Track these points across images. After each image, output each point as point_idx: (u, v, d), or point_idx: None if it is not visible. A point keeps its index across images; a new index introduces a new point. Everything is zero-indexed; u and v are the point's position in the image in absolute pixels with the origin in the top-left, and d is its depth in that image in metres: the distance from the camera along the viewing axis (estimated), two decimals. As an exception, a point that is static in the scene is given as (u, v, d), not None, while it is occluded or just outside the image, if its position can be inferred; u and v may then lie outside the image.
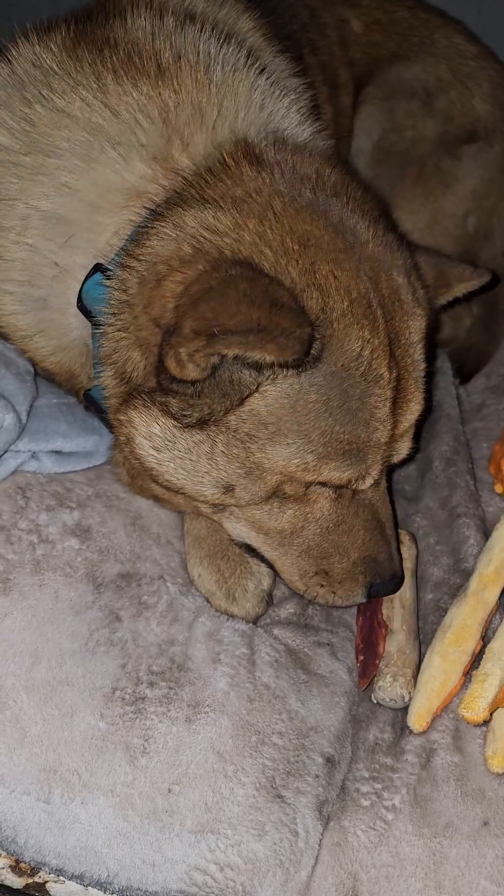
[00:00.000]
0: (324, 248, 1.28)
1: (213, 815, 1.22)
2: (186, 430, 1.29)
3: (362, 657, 1.43)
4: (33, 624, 1.30)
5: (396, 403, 1.34)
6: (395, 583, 1.43)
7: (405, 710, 1.39)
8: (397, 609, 1.48)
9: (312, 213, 1.31)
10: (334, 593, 1.40)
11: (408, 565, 1.56)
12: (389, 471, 1.46)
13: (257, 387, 1.25)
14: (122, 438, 1.39)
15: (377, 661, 1.41)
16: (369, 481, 1.36)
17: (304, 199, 1.32)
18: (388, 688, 1.39)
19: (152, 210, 1.33)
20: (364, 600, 1.43)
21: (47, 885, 1.27)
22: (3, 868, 1.28)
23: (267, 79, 1.53)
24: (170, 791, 1.22)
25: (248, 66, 1.51)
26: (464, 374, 2.14)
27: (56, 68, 1.43)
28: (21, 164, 1.40)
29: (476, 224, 2.12)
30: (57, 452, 1.50)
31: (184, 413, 1.28)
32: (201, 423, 1.28)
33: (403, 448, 1.41)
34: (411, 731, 1.36)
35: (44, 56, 1.46)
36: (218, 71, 1.45)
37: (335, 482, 1.32)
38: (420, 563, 1.63)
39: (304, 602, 1.53)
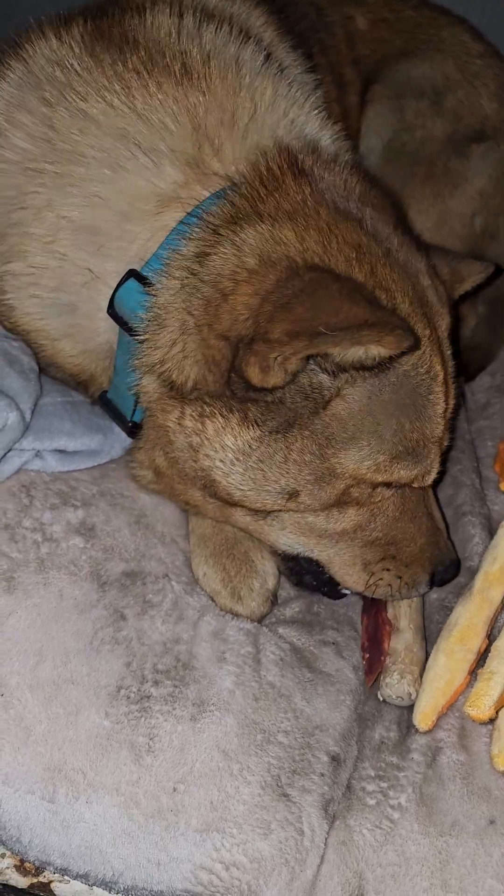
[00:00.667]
0: (374, 253, 1.30)
1: (219, 814, 1.21)
2: (265, 438, 1.28)
3: (368, 654, 1.42)
4: (38, 622, 1.30)
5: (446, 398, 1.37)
6: (456, 567, 1.46)
7: (411, 708, 1.39)
8: (404, 607, 1.48)
9: (354, 221, 1.32)
10: (400, 577, 1.41)
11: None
12: None
13: (339, 390, 1.25)
14: (177, 445, 1.34)
15: (382, 658, 1.41)
16: (433, 476, 1.38)
17: (344, 208, 1.33)
18: (396, 685, 1.38)
19: (199, 217, 1.31)
20: (427, 588, 1.45)
21: (52, 885, 1.26)
22: (8, 868, 1.27)
23: (286, 81, 1.51)
24: (175, 790, 1.22)
25: (268, 67, 1.49)
26: (469, 373, 2.13)
27: (77, 67, 1.39)
28: (45, 171, 1.38)
29: (483, 224, 2.12)
30: (61, 451, 1.50)
31: (265, 420, 1.27)
32: (284, 428, 1.27)
33: (446, 440, 1.43)
34: (417, 730, 1.36)
35: (62, 53, 1.42)
36: (246, 73, 1.44)
37: (403, 480, 1.34)
38: (425, 561, 1.62)
39: (309, 601, 1.52)
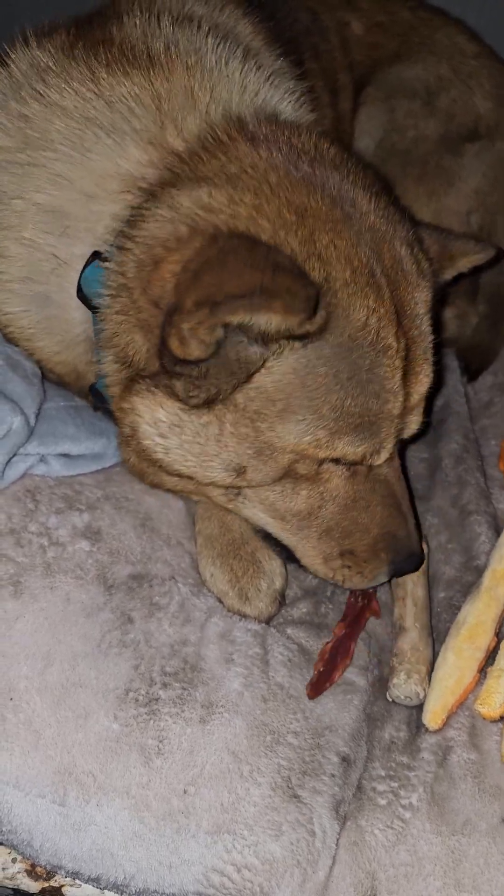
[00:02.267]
0: (322, 218, 1.26)
1: (230, 816, 1.21)
2: (193, 412, 1.27)
3: (322, 669, 1.37)
4: (45, 626, 1.29)
5: (406, 375, 1.32)
6: (415, 560, 1.41)
7: (420, 707, 1.38)
8: (409, 607, 1.48)
9: (309, 184, 1.29)
10: (361, 573, 1.39)
11: (419, 563, 1.55)
12: (402, 448, 1.46)
13: (263, 362, 1.23)
14: (126, 430, 1.37)
15: (328, 684, 1.36)
16: (384, 455, 1.34)
17: (301, 172, 1.31)
18: (403, 685, 1.38)
19: (147, 191, 1.32)
20: (386, 579, 1.42)
21: (63, 889, 1.26)
22: (19, 872, 1.27)
23: (263, 72, 1.53)
24: (185, 792, 1.21)
25: (244, 59, 1.51)
26: (471, 372, 2.14)
27: (52, 66, 1.44)
28: (17, 161, 1.41)
29: (479, 222, 2.12)
30: (65, 455, 1.50)
31: (190, 394, 1.26)
32: (208, 404, 1.26)
33: (414, 422, 1.40)
34: (427, 729, 1.35)
35: (40, 57, 1.47)
36: (210, 58, 1.46)
37: (349, 458, 1.30)
38: (432, 561, 1.62)
39: (316, 601, 1.52)
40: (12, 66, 1.48)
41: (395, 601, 1.51)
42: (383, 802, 1.27)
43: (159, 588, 1.40)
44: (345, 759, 1.29)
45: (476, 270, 1.59)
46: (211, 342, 1.19)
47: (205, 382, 1.24)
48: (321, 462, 1.30)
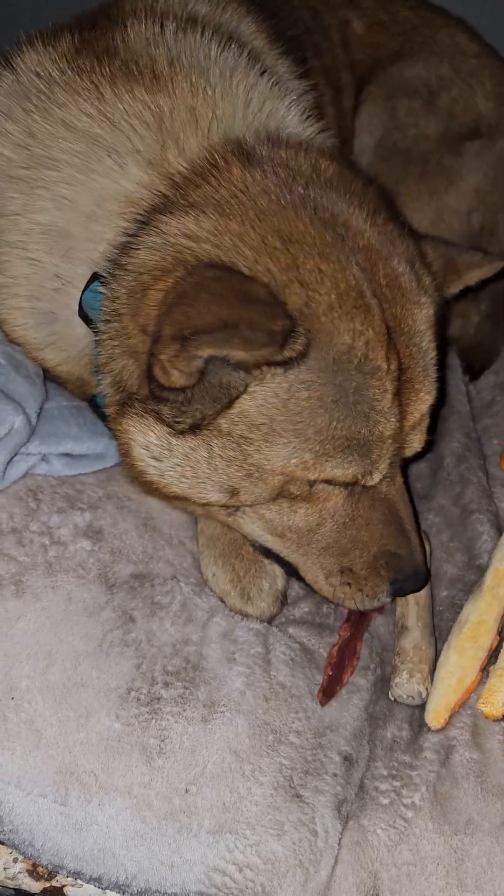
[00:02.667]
0: (309, 242, 1.26)
1: (231, 816, 1.20)
2: (181, 436, 1.28)
3: (331, 673, 1.37)
4: (47, 626, 1.29)
5: (403, 394, 1.31)
6: (418, 579, 1.39)
7: (422, 707, 1.38)
8: (412, 606, 1.47)
9: (300, 208, 1.29)
10: (361, 591, 1.38)
11: (421, 562, 1.55)
12: (405, 466, 1.44)
13: (245, 388, 1.23)
14: (122, 450, 1.38)
15: (338, 688, 1.36)
16: (377, 476, 1.33)
17: (294, 195, 1.30)
18: (405, 684, 1.37)
19: (140, 216, 1.33)
20: (389, 599, 1.39)
21: (65, 889, 1.26)
22: (21, 872, 1.27)
23: (268, 80, 1.52)
24: (187, 791, 1.21)
25: (248, 68, 1.51)
26: (473, 371, 2.13)
27: (58, 78, 1.44)
28: (21, 178, 1.41)
29: (481, 220, 2.12)
30: (67, 455, 1.50)
31: (176, 420, 1.27)
32: (194, 429, 1.27)
33: (416, 441, 1.38)
34: (429, 728, 1.35)
35: (47, 65, 1.46)
36: (215, 74, 1.46)
37: (340, 479, 1.29)
38: (434, 560, 1.62)
39: (318, 601, 1.52)
40: (19, 71, 1.48)
41: (396, 601, 1.50)
42: (386, 802, 1.27)
43: (161, 587, 1.40)
44: (347, 759, 1.29)
45: (484, 283, 1.57)
46: (191, 372, 1.21)
47: (189, 408, 1.26)
48: (312, 483, 1.30)
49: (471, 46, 2.18)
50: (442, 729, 1.34)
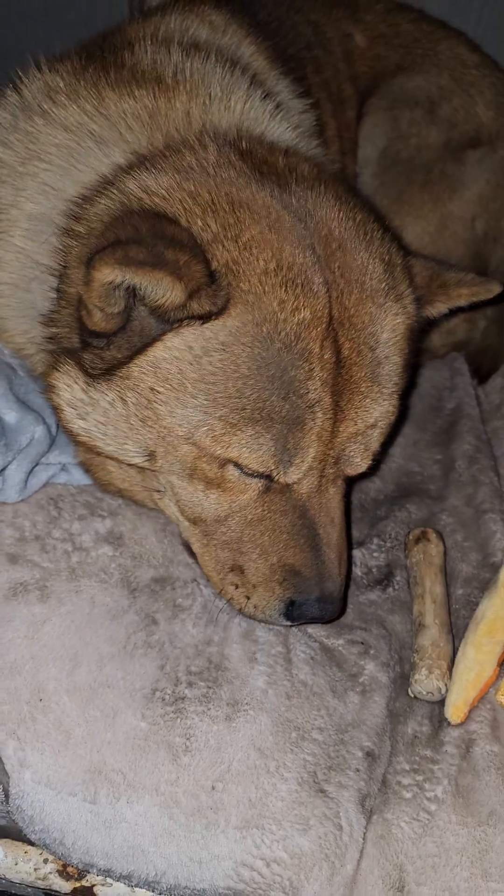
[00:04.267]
0: (260, 212, 1.25)
1: (258, 811, 1.22)
2: (98, 387, 1.27)
3: None
4: (72, 629, 1.32)
5: (342, 394, 1.26)
6: (322, 607, 1.31)
7: (442, 703, 1.40)
8: (428, 604, 1.50)
9: (264, 187, 1.28)
10: (248, 598, 1.32)
11: (436, 561, 1.57)
12: (349, 487, 1.38)
13: (161, 336, 1.21)
14: (56, 415, 1.37)
15: None
16: (294, 474, 1.26)
17: (264, 178, 1.30)
18: (424, 680, 1.39)
19: (106, 180, 1.35)
20: (285, 622, 1.33)
21: (95, 889, 1.28)
22: (51, 873, 1.29)
23: (266, 100, 1.57)
24: (213, 788, 1.23)
25: (248, 88, 1.55)
26: (481, 375, 2.16)
27: (62, 86, 1.50)
28: (16, 173, 1.46)
29: (485, 227, 2.15)
30: (86, 463, 1.53)
31: (93, 364, 1.27)
32: (108, 373, 1.25)
33: (356, 454, 1.31)
34: (449, 723, 1.37)
35: (51, 79, 1.52)
36: (216, 88, 1.50)
37: (249, 464, 1.24)
38: (449, 559, 1.64)
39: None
40: (24, 89, 1.54)
41: (413, 599, 1.53)
42: (408, 796, 1.28)
43: (182, 590, 1.42)
44: (369, 754, 1.31)
45: (477, 306, 1.50)
46: (110, 311, 1.20)
47: (107, 353, 1.25)
48: (223, 463, 1.26)
49: (471, 57, 2.23)
50: (462, 723, 1.36)
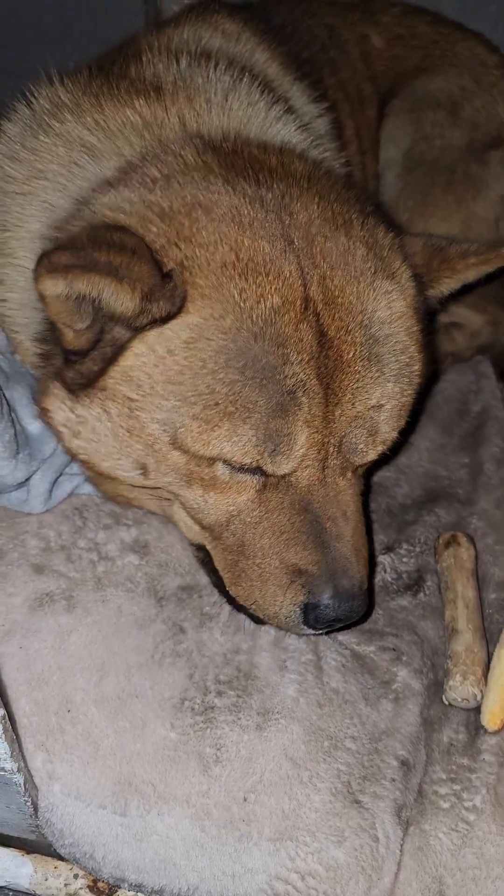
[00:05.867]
0: (221, 210, 1.24)
1: (291, 823, 1.20)
2: (83, 402, 1.27)
3: None
4: (99, 639, 1.30)
5: (332, 376, 1.22)
6: (340, 606, 1.23)
7: (477, 709, 1.36)
8: (461, 609, 1.46)
9: (236, 185, 1.27)
10: (263, 607, 1.27)
11: (467, 565, 1.54)
12: (368, 476, 1.32)
13: (128, 341, 1.21)
14: (56, 438, 1.37)
15: None
16: (285, 465, 1.22)
17: (242, 176, 1.29)
18: (459, 687, 1.36)
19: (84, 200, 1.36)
20: (307, 630, 1.27)
21: (126, 904, 1.26)
22: (82, 888, 1.27)
23: (278, 107, 1.56)
24: (245, 799, 1.20)
25: (255, 93, 1.54)
26: (501, 373, 2.13)
27: (67, 101, 1.51)
28: (23, 191, 1.47)
29: (509, 228, 2.12)
30: (110, 472, 1.52)
31: (74, 381, 1.27)
32: (87, 388, 1.25)
33: (359, 439, 1.25)
34: (486, 731, 1.33)
35: (59, 94, 1.53)
36: (217, 94, 1.50)
37: (235, 459, 1.20)
38: (480, 563, 1.61)
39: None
40: (34, 103, 1.55)
41: (445, 604, 1.50)
42: (446, 806, 1.25)
43: (209, 598, 1.40)
44: (404, 763, 1.28)
45: (489, 279, 1.44)
46: (78, 328, 1.21)
47: (84, 367, 1.25)
48: (211, 462, 1.23)
49: (490, 58, 2.21)
50: (499, 730, 1.32)
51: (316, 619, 1.25)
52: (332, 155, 1.69)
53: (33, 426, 1.44)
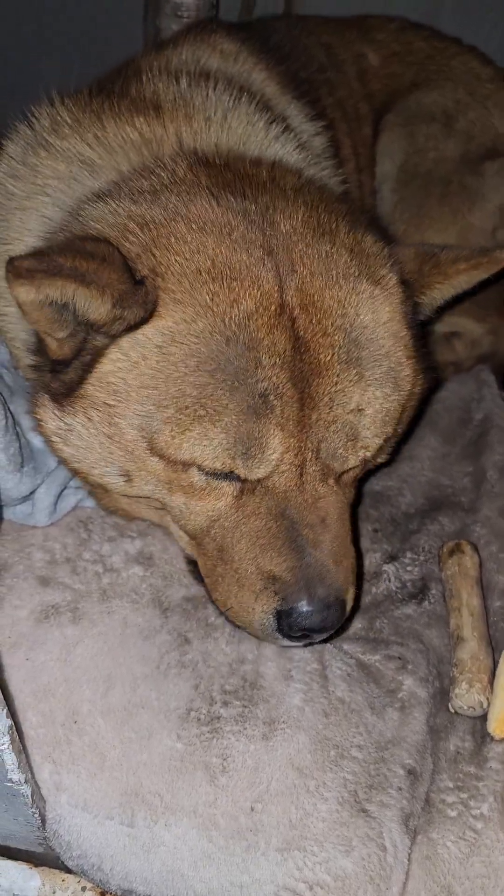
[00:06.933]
0: (201, 221, 1.26)
1: (299, 832, 1.20)
2: (68, 410, 1.28)
3: None
4: (104, 650, 1.31)
5: (308, 380, 1.21)
6: (313, 615, 1.21)
7: (484, 717, 1.36)
8: (466, 617, 1.47)
9: (216, 197, 1.30)
10: (239, 612, 1.27)
11: (471, 573, 1.54)
12: (360, 486, 1.32)
13: (105, 348, 1.23)
14: (50, 448, 1.39)
15: None
16: (259, 469, 1.21)
17: (228, 189, 1.32)
18: (465, 695, 1.36)
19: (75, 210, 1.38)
20: (281, 639, 1.26)
21: (135, 917, 1.25)
22: (90, 901, 1.27)
23: (276, 126, 1.58)
24: (252, 809, 1.20)
25: (253, 112, 1.57)
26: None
27: (67, 119, 1.54)
28: (23, 207, 1.50)
29: (506, 238, 2.13)
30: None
31: (57, 389, 1.29)
32: (69, 396, 1.27)
33: (338, 444, 1.24)
34: (492, 738, 1.33)
35: (59, 113, 1.57)
36: (216, 113, 1.53)
37: (206, 461, 1.20)
38: (484, 571, 1.61)
39: (371, 616, 1.52)
40: (35, 122, 1.58)
41: (450, 612, 1.50)
42: (453, 814, 1.25)
43: (214, 608, 1.41)
44: (411, 772, 1.28)
45: (485, 285, 1.43)
46: (58, 337, 1.23)
47: (66, 375, 1.28)
48: (186, 467, 1.23)
49: (485, 71, 2.23)
50: (505, 738, 1.32)
51: (289, 627, 1.23)
52: (330, 172, 1.72)
53: (37, 439, 1.45)
